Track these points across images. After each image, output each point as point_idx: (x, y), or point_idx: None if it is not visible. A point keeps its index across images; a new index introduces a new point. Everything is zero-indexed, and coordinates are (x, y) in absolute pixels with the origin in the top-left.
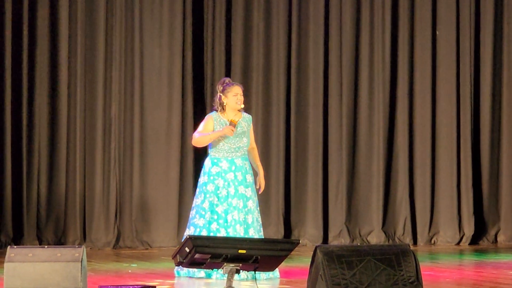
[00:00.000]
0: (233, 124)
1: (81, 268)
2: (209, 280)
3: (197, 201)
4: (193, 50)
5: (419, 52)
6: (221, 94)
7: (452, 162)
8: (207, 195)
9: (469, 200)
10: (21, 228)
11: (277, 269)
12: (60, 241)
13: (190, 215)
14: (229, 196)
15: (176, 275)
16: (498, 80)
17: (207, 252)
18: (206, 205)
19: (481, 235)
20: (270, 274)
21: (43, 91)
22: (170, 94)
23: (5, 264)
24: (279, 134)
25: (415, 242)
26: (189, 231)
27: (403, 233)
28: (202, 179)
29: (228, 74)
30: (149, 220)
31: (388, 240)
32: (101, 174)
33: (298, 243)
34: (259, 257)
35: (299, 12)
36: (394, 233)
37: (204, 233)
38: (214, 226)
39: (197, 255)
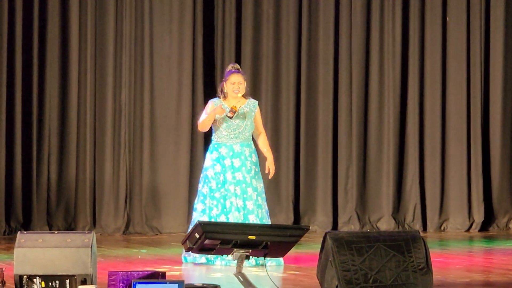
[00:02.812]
0: (232, 110)
1: (91, 253)
2: (216, 267)
3: (199, 185)
4: (203, 36)
5: (429, 38)
6: (223, 81)
7: (462, 149)
8: (206, 180)
9: (479, 186)
10: (31, 214)
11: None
12: (70, 227)
13: (195, 201)
14: (226, 182)
15: (184, 261)
16: (509, 67)
17: (217, 238)
18: (205, 190)
19: (490, 221)
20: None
21: (53, 77)
22: (180, 80)
23: (15, 250)
24: (288, 121)
25: (424, 228)
26: (193, 216)
27: (413, 220)
28: (205, 164)
29: (238, 60)
30: (159, 206)
31: (398, 227)
32: (111, 160)
33: (308, 229)
34: (269, 243)
35: None
36: (404, 220)
37: (205, 218)
38: (214, 212)
39: (207, 241)
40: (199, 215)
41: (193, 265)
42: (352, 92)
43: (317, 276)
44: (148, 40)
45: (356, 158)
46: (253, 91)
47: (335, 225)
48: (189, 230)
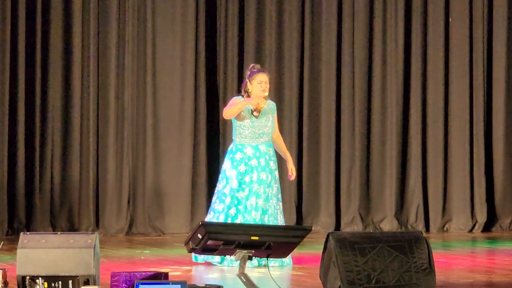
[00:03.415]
0: (258, 110)
1: (93, 254)
2: (222, 267)
3: (219, 186)
4: (206, 37)
5: (432, 39)
6: (247, 80)
7: (464, 150)
8: (229, 180)
9: (481, 187)
10: (34, 215)
11: (290, 256)
12: (73, 227)
13: (212, 200)
14: (251, 182)
15: (194, 260)
16: (511, 66)
17: (220, 239)
18: (227, 190)
19: (493, 222)
20: (285, 262)
21: (56, 78)
22: (182, 81)
23: (18, 250)
24: (291, 121)
25: (427, 229)
26: (209, 216)
27: (416, 220)
28: (225, 164)
29: (240, 61)
30: (161, 207)
31: (401, 227)
32: (114, 161)
33: (311, 229)
34: (271, 243)
35: None
36: (407, 220)
37: (222, 217)
38: (232, 211)
39: (209, 242)
40: (217, 215)
41: (205, 265)
42: (355, 92)
43: (320, 277)
44: (150, 41)
45: (359, 158)
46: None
47: (338, 226)
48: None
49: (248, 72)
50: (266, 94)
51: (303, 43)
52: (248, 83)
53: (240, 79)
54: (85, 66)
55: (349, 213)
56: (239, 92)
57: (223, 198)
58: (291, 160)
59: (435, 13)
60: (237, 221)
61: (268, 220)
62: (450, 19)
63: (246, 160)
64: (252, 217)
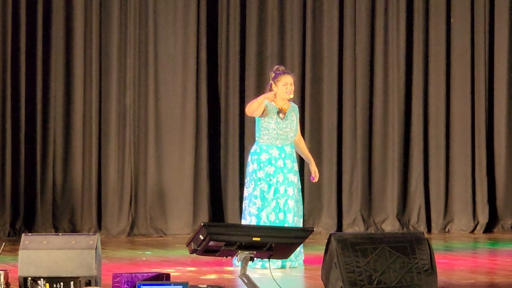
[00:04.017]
0: (283, 111)
1: (95, 255)
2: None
3: (248, 190)
4: (207, 37)
5: (433, 39)
6: (272, 82)
7: (466, 150)
8: (258, 182)
9: (483, 188)
10: (36, 216)
11: (302, 256)
12: (75, 228)
13: (244, 205)
14: (278, 183)
15: (235, 264)
16: None
17: (221, 240)
18: (257, 192)
19: (495, 223)
20: (296, 263)
21: (58, 78)
22: (184, 81)
23: (20, 252)
24: None
25: (429, 230)
26: (245, 221)
27: (418, 221)
28: (251, 167)
29: (242, 61)
30: (163, 208)
31: (403, 228)
32: (116, 161)
33: (313, 230)
34: (273, 244)
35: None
36: (409, 221)
37: (254, 220)
38: (264, 213)
39: (211, 243)
40: (253, 218)
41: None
42: (357, 93)
43: (321, 278)
44: (152, 42)
45: (360, 159)
46: (258, 93)
47: (339, 227)
48: None
49: (273, 74)
50: (292, 96)
51: (304, 44)
52: (273, 85)
53: (242, 78)
54: (86, 67)
55: (351, 214)
56: (241, 93)
57: (254, 200)
58: (313, 162)
59: (436, 12)
60: (269, 223)
61: (300, 222)
62: (451, 19)
63: (273, 161)
64: (287, 220)
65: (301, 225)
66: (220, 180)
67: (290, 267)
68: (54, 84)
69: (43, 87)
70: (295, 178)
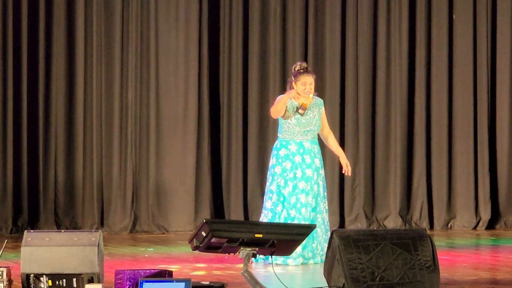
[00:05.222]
0: (303, 107)
1: (97, 252)
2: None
3: (267, 184)
4: (209, 35)
5: (435, 35)
6: (292, 79)
7: (469, 147)
8: (275, 177)
9: (485, 184)
10: (38, 213)
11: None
12: (77, 225)
13: (264, 199)
14: (295, 179)
15: (254, 261)
16: None
17: (224, 236)
18: (273, 187)
19: (497, 219)
20: (310, 260)
21: (59, 76)
22: (186, 78)
23: (22, 248)
24: None
25: (431, 226)
26: (262, 215)
27: (420, 218)
28: (271, 162)
29: (245, 59)
30: (165, 205)
31: (405, 225)
32: (118, 159)
33: (315, 227)
34: (275, 241)
35: None
36: (411, 218)
37: (270, 215)
38: (279, 208)
39: (213, 239)
40: (269, 213)
41: (264, 265)
42: (359, 90)
43: (324, 274)
44: (154, 39)
45: (363, 156)
46: (260, 89)
47: (342, 223)
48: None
49: (294, 71)
50: (311, 96)
51: (306, 41)
52: (293, 83)
53: (244, 76)
54: (88, 65)
55: (353, 211)
56: (243, 91)
57: (270, 195)
58: (344, 156)
59: (439, 9)
60: (284, 218)
61: (316, 217)
62: (453, 16)
63: (291, 157)
64: (302, 215)
65: (320, 221)
66: (222, 177)
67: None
68: (56, 82)
69: (45, 84)
70: (315, 175)
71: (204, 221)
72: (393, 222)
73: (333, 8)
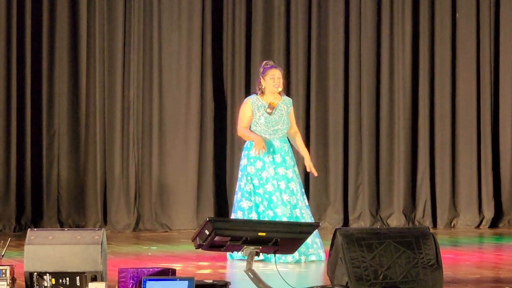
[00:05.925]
0: (271, 106)
1: (101, 250)
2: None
3: (241, 184)
4: (212, 33)
5: (439, 34)
6: (260, 77)
7: (472, 146)
8: (249, 178)
9: (488, 183)
10: (42, 211)
11: (322, 252)
12: (80, 224)
13: (235, 198)
14: (268, 178)
15: (229, 258)
16: None
17: (227, 235)
18: (249, 187)
19: (500, 218)
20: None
21: (62, 75)
22: (188, 77)
23: (25, 247)
24: (298, 117)
25: (435, 225)
26: (236, 215)
27: (423, 216)
28: (242, 161)
29: (248, 57)
30: (168, 203)
31: (408, 223)
32: (120, 157)
33: (318, 225)
34: (279, 239)
35: None
36: (414, 216)
37: (253, 215)
38: (260, 208)
39: (216, 238)
40: (246, 213)
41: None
42: (362, 88)
43: (327, 273)
44: (156, 37)
45: (366, 154)
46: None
47: (345, 222)
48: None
49: (261, 69)
50: (280, 89)
51: (310, 39)
52: (262, 80)
53: (247, 74)
54: (91, 63)
55: (357, 209)
56: (246, 89)
57: (247, 195)
58: (308, 157)
59: (442, 7)
60: (266, 217)
61: (301, 214)
62: (457, 14)
63: (261, 156)
64: (282, 212)
65: (306, 217)
66: (225, 175)
67: (305, 261)
68: (59, 80)
69: (48, 83)
70: (289, 172)
71: (208, 219)
72: (396, 220)
73: (336, 7)
